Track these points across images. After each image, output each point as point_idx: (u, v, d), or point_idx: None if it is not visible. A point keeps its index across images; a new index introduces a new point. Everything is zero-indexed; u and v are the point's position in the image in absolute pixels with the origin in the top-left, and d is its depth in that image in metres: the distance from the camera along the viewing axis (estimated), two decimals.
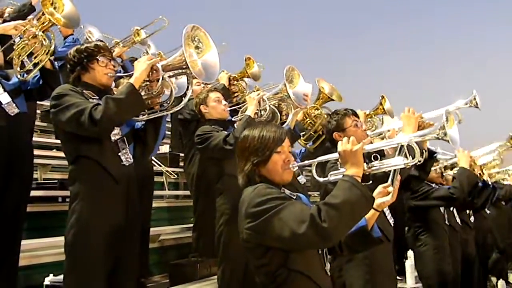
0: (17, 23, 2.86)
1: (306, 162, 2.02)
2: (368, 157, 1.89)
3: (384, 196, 1.96)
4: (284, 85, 3.26)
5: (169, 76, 2.43)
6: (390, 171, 1.96)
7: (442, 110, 3.36)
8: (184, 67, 2.33)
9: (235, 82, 4.85)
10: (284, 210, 1.66)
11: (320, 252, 1.85)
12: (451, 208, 4.26)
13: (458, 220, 4.38)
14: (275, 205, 1.67)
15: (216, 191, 3.31)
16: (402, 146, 1.89)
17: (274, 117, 3.50)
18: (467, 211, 4.78)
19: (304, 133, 3.80)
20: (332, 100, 3.93)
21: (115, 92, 2.53)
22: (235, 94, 4.84)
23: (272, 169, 1.84)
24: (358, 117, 2.96)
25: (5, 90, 2.89)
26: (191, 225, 4.38)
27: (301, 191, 3.07)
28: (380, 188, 1.98)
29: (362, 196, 1.64)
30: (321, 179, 2.03)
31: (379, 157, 1.88)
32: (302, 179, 3.51)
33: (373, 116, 4.30)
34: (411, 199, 3.92)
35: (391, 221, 2.95)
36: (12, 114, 2.87)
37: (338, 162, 1.85)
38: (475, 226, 4.90)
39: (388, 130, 3.23)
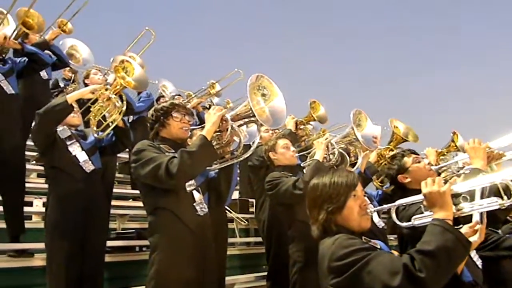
0: (93, 88, 3.10)
1: (385, 206, 1.92)
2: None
3: (470, 237, 1.76)
4: (352, 128, 3.21)
5: (239, 125, 2.49)
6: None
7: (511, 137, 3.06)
8: (251, 115, 2.40)
9: (302, 126, 4.87)
10: (372, 262, 1.53)
11: None
12: None
13: None
14: (361, 257, 1.55)
15: (289, 237, 3.25)
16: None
17: (343, 160, 3.42)
18: None
19: (378, 175, 3.66)
20: (407, 140, 3.79)
21: (189, 144, 2.64)
22: (303, 138, 4.86)
23: (348, 216, 1.74)
24: (418, 154, 2.83)
25: (83, 149, 3.14)
26: (265, 273, 4.30)
27: (380, 236, 2.93)
28: (465, 228, 1.81)
29: (457, 240, 1.52)
30: (403, 224, 1.92)
31: (468, 198, 1.75)
32: (380, 223, 3.35)
33: (445, 154, 4.08)
34: (479, 250, 3.46)
35: (479, 263, 2.69)
36: (88, 171, 3.11)
37: (421, 205, 1.74)
38: None
39: (463, 166, 3.01)
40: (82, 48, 6.08)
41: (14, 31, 3.95)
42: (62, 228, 2.96)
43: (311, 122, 5.13)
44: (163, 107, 2.69)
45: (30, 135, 3.53)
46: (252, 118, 2.42)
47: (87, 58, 6.13)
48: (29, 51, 4.01)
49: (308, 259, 3.11)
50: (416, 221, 1.87)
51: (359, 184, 1.81)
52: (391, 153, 3.53)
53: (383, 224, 3.43)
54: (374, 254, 1.57)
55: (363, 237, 1.76)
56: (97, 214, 3.16)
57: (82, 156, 3.12)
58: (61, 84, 6.15)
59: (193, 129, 3.01)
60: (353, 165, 3.54)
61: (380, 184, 3.59)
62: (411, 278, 1.44)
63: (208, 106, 6.76)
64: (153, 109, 2.74)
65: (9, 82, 3.88)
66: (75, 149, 3.11)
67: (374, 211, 1.85)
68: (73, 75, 6.30)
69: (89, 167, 3.12)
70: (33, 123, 3.04)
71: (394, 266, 1.49)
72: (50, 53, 5.31)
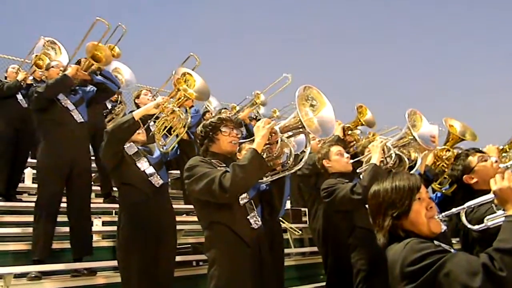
0: (157, 102, 3.14)
1: (454, 209, 1.82)
2: None
3: None
4: (408, 129, 3.10)
5: (288, 136, 2.47)
6: None
7: None
8: (300, 127, 2.37)
9: (350, 132, 4.78)
10: (448, 264, 1.47)
11: None
12: None
13: None
14: (436, 260, 1.49)
15: (350, 246, 3.18)
16: None
17: (401, 163, 3.28)
18: None
19: (437, 177, 3.51)
20: (464, 139, 3.60)
21: (239, 157, 2.64)
22: (351, 144, 4.76)
23: (416, 219, 1.67)
24: (483, 152, 2.69)
25: (150, 164, 3.24)
26: (323, 283, 4.22)
27: (442, 240, 2.79)
28: None
29: None
30: (475, 227, 1.83)
31: None
32: (442, 226, 3.20)
33: (508, 150, 3.85)
34: None
35: None
36: (158, 186, 3.20)
37: (493, 205, 1.65)
38: None
39: None
40: (124, 70, 6.30)
41: (84, 63, 4.13)
42: (135, 242, 3.07)
43: (358, 127, 5.02)
44: (211, 122, 2.70)
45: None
46: (301, 129, 2.40)
47: (129, 79, 6.33)
48: (97, 81, 4.20)
49: (372, 267, 3.05)
50: (490, 221, 1.77)
51: (423, 186, 1.73)
52: (448, 153, 3.37)
53: (445, 228, 3.28)
54: (449, 255, 1.51)
55: (435, 241, 1.67)
56: (167, 228, 3.25)
57: (150, 171, 3.22)
58: (108, 106, 6.34)
59: (242, 142, 3.01)
60: (410, 168, 3.41)
61: (439, 186, 3.43)
62: (492, 278, 1.39)
63: (255, 117, 6.82)
64: (201, 125, 2.76)
65: (79, 111, 4.11)
66: (143, 164, 3.22)
67: (443, 216, 1.75)
68: (118, 96, 6.49)
69: (158, 181, 3.22)
70: (102, 142, 3.13)
71: (473, 266, 1.44)
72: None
